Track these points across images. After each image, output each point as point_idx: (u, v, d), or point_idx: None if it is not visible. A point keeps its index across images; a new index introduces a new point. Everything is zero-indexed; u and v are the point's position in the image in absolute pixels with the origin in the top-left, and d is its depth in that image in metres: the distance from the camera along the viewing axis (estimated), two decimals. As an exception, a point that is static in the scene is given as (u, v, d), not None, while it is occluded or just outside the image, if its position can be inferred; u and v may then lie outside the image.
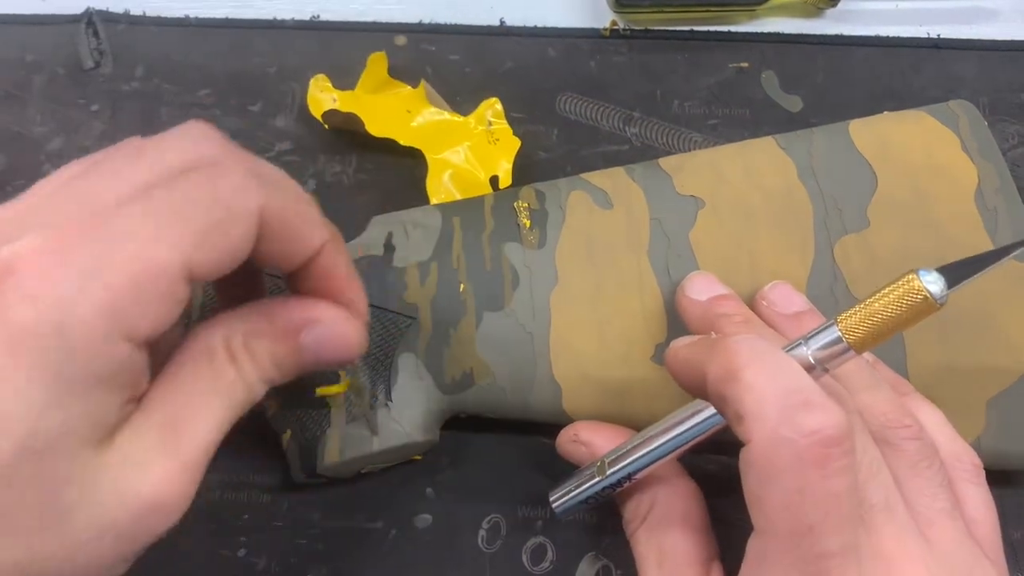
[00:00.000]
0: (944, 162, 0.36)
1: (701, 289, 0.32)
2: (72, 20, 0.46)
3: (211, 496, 0.36)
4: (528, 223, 0.36)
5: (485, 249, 0.35)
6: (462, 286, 0.35)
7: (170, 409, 0.22)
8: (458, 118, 0.42)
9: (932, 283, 0.23)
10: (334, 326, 0.25)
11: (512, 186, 0.40)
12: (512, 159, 0.41)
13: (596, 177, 0.37)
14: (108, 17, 0.46)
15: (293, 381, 0.33)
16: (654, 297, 0.34)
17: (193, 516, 0.36)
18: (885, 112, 0.39)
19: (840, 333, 0.25)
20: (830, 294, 0.34)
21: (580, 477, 0.31)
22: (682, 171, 0.37)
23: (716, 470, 0.37)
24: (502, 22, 0.46)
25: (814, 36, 0.46)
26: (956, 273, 0.24)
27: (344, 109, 0.42)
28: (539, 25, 0.46)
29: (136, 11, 0.46)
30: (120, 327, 0.19)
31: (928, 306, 0.23)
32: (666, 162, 0.38)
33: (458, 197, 0.40)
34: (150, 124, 0.43)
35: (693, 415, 0.27)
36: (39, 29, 0.46)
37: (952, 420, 0.33)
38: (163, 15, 0.46)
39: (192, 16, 0.46)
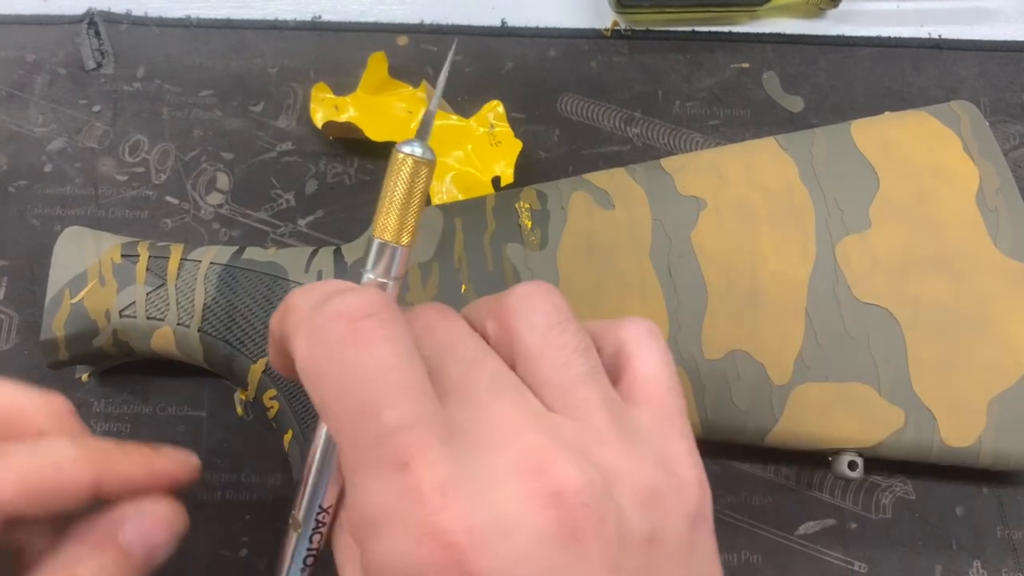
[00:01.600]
0: (945, 163, 0.36)
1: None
2: (74, 20, 0.46)
3: (213, 497, 0.36)
4: (530, 224, 0.36)
5: (487, 250, 0.35)
6: (464, 287, 0.35)
7: None
8: (460, 121, 0.42)
9: (411, 148, 0.23)
10: (142, 513, 0.25)
11: (513, 187, 0.40)
12: (514, 162, 0.41)
13: (597, 177, 0.37)
14: (110, 17, 0.46)
15: (296, 384, 0.33)
16: (655, 297, 0.34)
17: (195, 517, 0.36)
18: (886, 113, 0.39)
19: (378, 238, 0.24)
20: (832, 295, 0.34)
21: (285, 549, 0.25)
22: (684, 171, 0.37)
23: (719, 471, 0.37)
24: (503, 22, 0.46)
25: (815, 36, 0.46)
26: (422, 130, 0.24)
27: (346, 111, 0.42)
28: (540, 25, 0.46)
29: (138, 12, 0.46)
30: None
31: (419, 164, 0.23)
32: (667, 162, 0.38)
33: (460, 198, 0.40)
34: (152, 125, 0.43)
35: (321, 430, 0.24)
36: (41, 29, 0.46)
37: (953, 419, 0.33)
38: (165, 16, 0.46)
39: (194, 17, 0.46)
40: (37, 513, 0.23)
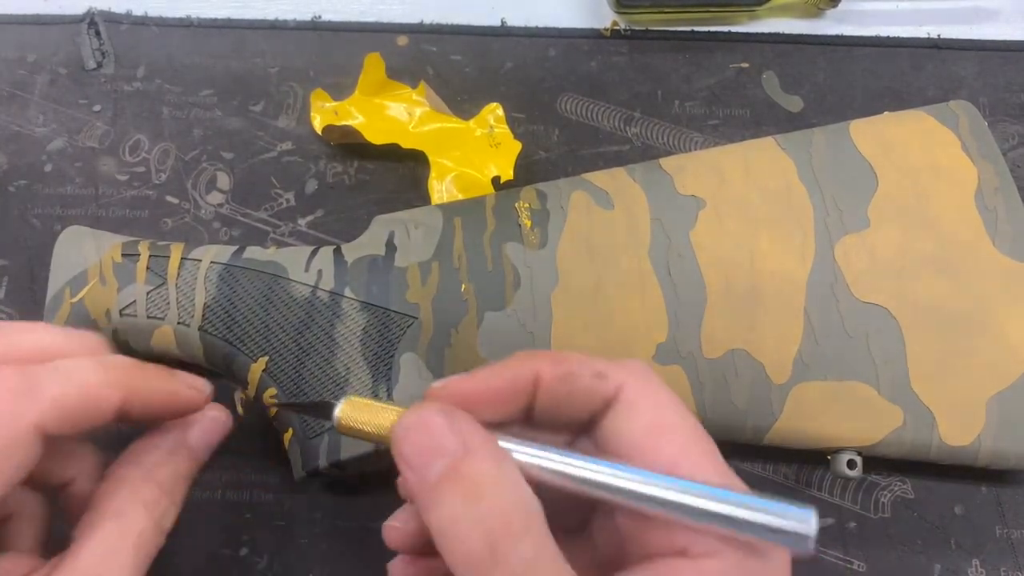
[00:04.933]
0: (944, 162, 0.36)
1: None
2: (74, 20, 0.46)
3: (213, 495, 0.36)
4: (529, 223, 0.36)
5: (486, 249, 0.35)
6: (464, 286, 0.35)
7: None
8: (460, 123, 0.42)
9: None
10: (204, 419, 0.29)
11: (513, 186, 0.40)
12: (513, 162, 0.41)
13: (597, 177, 0.37)
14: (110, 17, 0.46)
15: (296, 383, 0.33)
16: (655, 296, 0.34)
17: (195, 515, 0.36)
18: (885, 112, 0.39)
19: None
20: (831, 294, 0.34)
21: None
22: (683, 171, 0.37)
23: (717, 469, 0.37)
24: (503, 22, 0.46)
25: (814, 36, 0.46)
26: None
27: (346, 116, 0.42)
28: (540, 25, 0.46)
29: (138, 12, 0.46)
30: None
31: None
32: (667, 162, 0.38)
33: (460, 198, 0.40)
34: (152, 125, 0.43)
35: None
36: (41, 29, 0.46)
37: (952, 418, 0.33)
38: (165, 16, 0.46)
39: (194, 17, 0.46)
40: (69, 432, 0.24)
